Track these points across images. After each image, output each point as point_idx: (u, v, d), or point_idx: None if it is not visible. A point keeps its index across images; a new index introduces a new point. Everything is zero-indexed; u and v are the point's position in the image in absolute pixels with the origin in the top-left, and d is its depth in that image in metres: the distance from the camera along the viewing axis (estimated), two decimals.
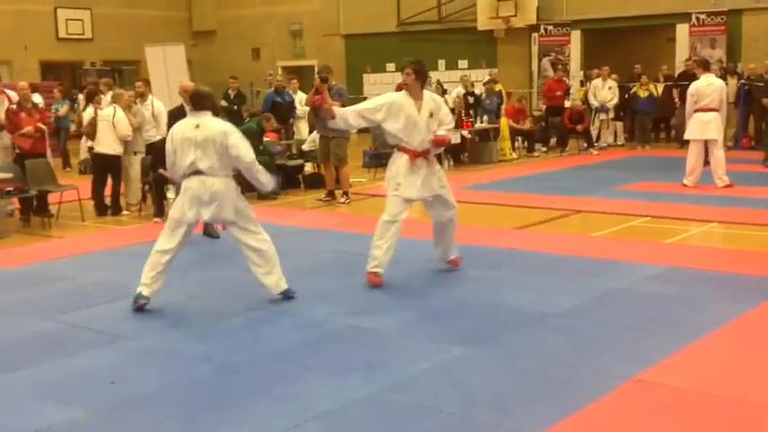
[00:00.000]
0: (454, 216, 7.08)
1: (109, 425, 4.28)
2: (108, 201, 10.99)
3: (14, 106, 10.68)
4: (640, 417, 4.17)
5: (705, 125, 11.45)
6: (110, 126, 10.77)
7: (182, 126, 6.34)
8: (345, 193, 11.57)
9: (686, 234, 8.74)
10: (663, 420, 4.13)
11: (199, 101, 6.42)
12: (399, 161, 6.80)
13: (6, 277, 7.79)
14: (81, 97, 15.48)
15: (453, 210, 7.05)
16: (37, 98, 11.04)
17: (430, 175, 6.83)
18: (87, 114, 11.48)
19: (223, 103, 16.50)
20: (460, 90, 17.24)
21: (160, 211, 10.42)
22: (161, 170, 10.30)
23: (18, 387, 4.85)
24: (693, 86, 11.76)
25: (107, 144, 10.83)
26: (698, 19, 18.61)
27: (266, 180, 6.50)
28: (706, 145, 11.56)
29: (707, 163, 11.67)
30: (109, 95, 11.62)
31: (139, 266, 6.28)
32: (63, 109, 16.02)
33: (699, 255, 7.78)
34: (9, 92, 10.97)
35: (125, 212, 11.08)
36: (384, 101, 6.79)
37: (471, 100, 16.67)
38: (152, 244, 6.38)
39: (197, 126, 6.22)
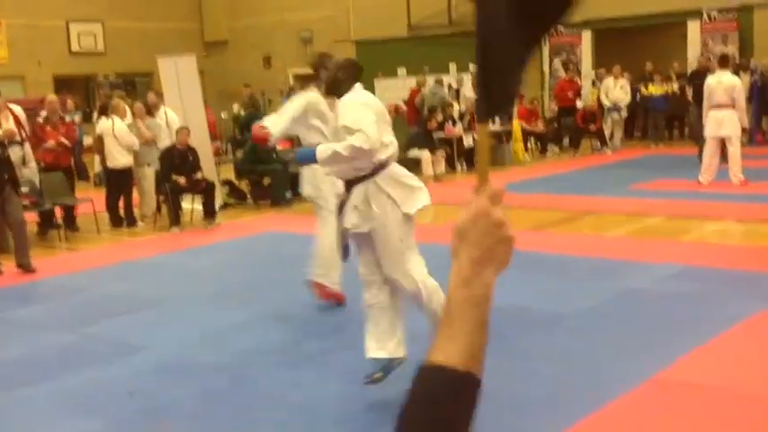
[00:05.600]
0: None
1: None
2: (122, 212, 11.08)
3: (41, 120, 10.80)
4: (659, 415, 4.15)
5: (720, 122, 11.40)
6: (113, 139, 10.89)
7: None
8: None
9: (702, 232, 8.69)
10: (681, 418, 4.11)
11: None
12: None
13: (25, 290, 7.84)
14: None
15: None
16: (17, 108, 11.01)
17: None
18: (99, 127, 11.58)
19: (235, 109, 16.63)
20: (472, 93, 17.24)
21: (176, 221, 10.47)
22: (174, 177, 10.35)
23: (39, 400, 4.89)
24: (706, 83, 11.73)
25: (114, 156, 10.95)
26: (709, 16, 18.52)
27: None
28: (722, 142, 11.52)
29: (724, 160, 11.62)
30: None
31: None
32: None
33: (715, 253, 7.73)
34: (14, 107, 11.00)
35: (140, 223, 11.14)
36: None
37: None
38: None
39: None
